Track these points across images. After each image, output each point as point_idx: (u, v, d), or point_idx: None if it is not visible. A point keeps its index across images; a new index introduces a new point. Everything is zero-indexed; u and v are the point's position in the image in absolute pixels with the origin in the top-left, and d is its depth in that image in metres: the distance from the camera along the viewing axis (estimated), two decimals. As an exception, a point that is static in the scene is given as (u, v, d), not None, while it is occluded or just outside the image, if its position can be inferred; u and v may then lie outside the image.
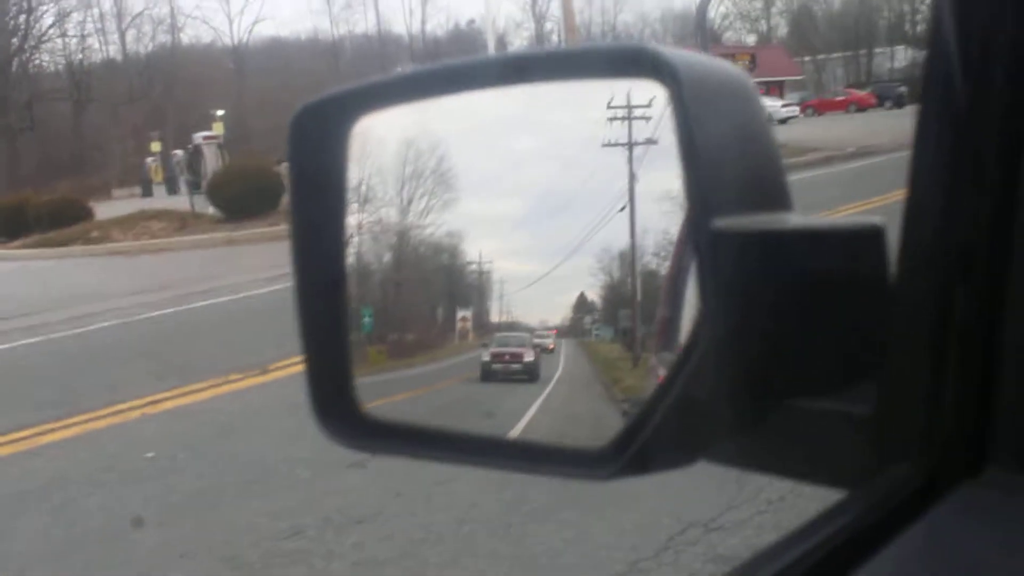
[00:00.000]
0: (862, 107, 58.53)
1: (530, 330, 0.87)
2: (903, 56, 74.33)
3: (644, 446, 0.68)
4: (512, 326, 0.89)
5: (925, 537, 0.63)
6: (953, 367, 0.65)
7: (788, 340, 0.67)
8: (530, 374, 0.91)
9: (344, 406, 0.89)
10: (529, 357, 0.90)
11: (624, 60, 0.73)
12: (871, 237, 0.69)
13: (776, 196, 0.70)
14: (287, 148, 0.88)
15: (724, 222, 0.64)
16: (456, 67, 0.84)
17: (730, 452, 0.73)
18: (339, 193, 0.90)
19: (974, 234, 0.64)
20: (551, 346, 0.88)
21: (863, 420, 0.68)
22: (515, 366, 0.92)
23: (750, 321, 0.65)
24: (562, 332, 0.86)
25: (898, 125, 22.02)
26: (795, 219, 0.69)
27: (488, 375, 0.93)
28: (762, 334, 0.66)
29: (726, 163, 0.67)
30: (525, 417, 0.87)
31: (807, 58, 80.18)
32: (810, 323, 0.68)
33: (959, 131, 0.63)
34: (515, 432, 0.85)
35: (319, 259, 0.89)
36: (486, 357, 0.93)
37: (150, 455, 6.03)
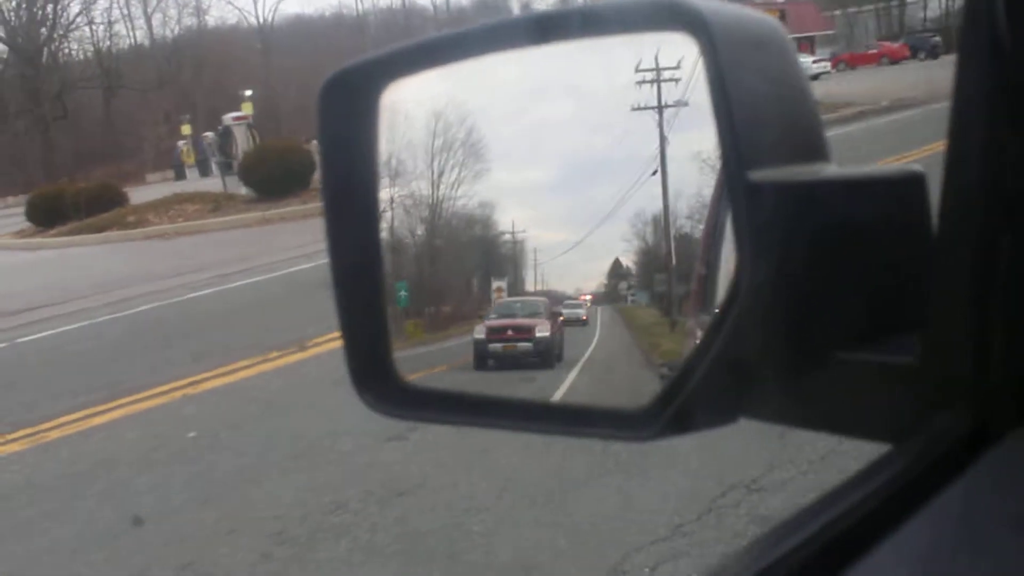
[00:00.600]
0: (895, 59, 57.57)
1: (561, 297, 0.86)
2: (937, 5, 72.95)
3: (685, 405, 0.67)
4: (523, 292, 0.87)
5: (973, 487, 0.62)
6: (997, 314, 0.64)
7: (828, 291, 0.66)
8: (543, 355, 0.88)
9: (382, 375, 0.89)
10: (543, 331, 0.87)
11: (655, 13, 0.72)
12: (912, 184, 0.68)
13: (813, 146, 0.69)
14: (317, 119, 0.88)
15: (760, 174, 0.64)
16: (485, 28, 0.83)
17: (771, 408, 0.72)
18: (370, 162, 0.89)
19: (1018, 179, 0.63)
20: (584, 317, 0.86)
21: (906, 371, 0.67)
22: (522, 345, 0.89)
23: (789, 273, 0.64)
24: (598, 299, 0.85)
25: (932, 76, 21.69)
26: (832, 169, 0.68)
27: (481, 359, 0.90)
28: (801, 286, 0.65)
29: (761, 114, 0.66)
30: (564, 385, 0.87)
31: (837, 12, 78.88)
32: (850, 273, 0.67)
33: (1001, 74, 0.62)
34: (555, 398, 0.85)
35: (353, 228, 0.89)
36: (479, 335, 0.90)
37: (192, 435, 6.11)
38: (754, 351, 0.65)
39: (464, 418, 0.87)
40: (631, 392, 0.82)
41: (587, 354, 0.88)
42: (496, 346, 0.88)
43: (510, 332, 0.88)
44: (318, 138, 0.88)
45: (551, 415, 0.83)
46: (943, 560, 0.58)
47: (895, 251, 0.68)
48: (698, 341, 0.70)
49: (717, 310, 0.68)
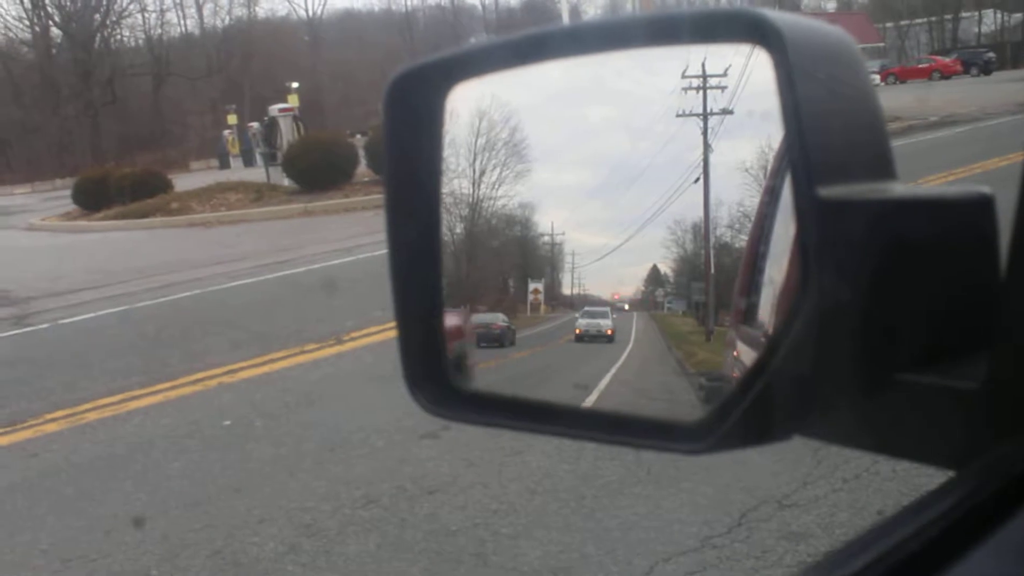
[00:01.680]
0: (946, 74, 56.90)
1: (595, 302, 0.87)
2: (992, 20, 71.94)
3: (741, 420, 0.67)
4: (589, 300, 0.89)
5: None
6: None
7: (894, 312, 0.65)
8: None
9: (436, 376, 0.89)
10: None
11: (727, 24, 0.71)
12: (980, 206, 0.67)
13: (881, 164, 0.68)
14: (382, 116, 0.88)
15: (829, 191, 0.63)
16: (555, 33, 0.83)
17: (830, 428, 0.71)
18: (434, 163, 0.89)
19: None
20: (609, 331, 0.86)
21: (972, 396, 0.66)
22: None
23: (855, 292, 0.64)
24: (634, 305, 0.85)
25: (984, 93, 21.37)
26: (900, 188, 0.67)
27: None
28: (867, 306, 0.64)
29: (832, 131, 0.65)
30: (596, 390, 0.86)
31: (889, 24, 78.07)
32: (917, 295, 0.66)
33: None
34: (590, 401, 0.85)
35: (413, 228, 0.89)
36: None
37: (227, 423, 6.16)
38: (816, 369, 0.64)
39: (515, 423, 0.87)
40: (666, 399, 0.82)
41: (617, 364, 0.87)
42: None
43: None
44: (383, 135, 0.88)
45: (602, 423, 0.82)
46: None
47: (963, 274, 0.67)
48: (754, 356, 0.68)
49: (774, 327, 0.67)
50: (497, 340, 0.95)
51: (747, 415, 0.66)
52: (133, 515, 4.73)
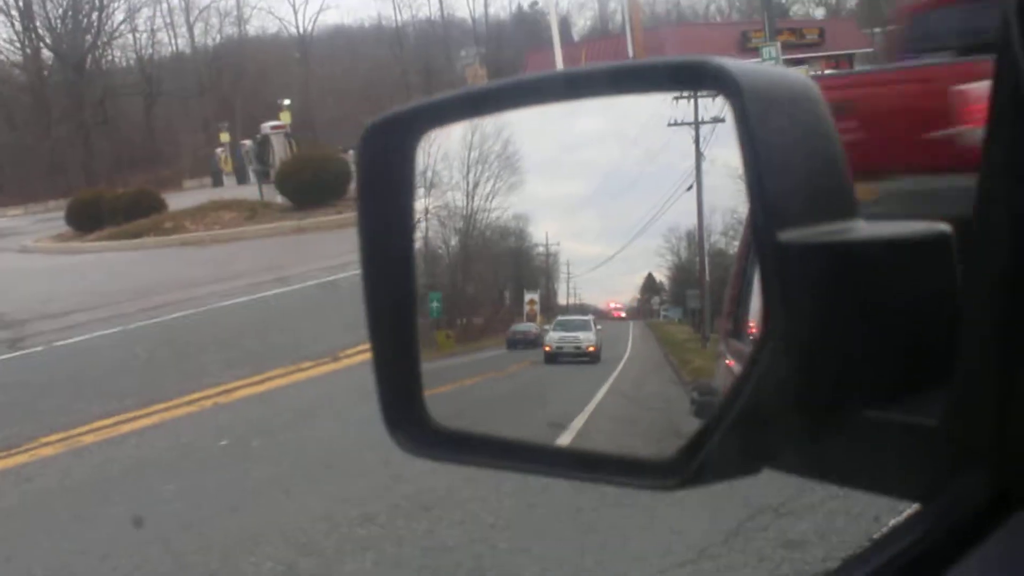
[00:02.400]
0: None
1: (580, 313, 0.87)
2: (978, 28, 72.25)
3: (710, 456, 0.68)
4: (578, 309, 0.88)
5: (997, 553, 0.62)
6: (1022, 378, 0.63)
7: (853, 350, 0.67)
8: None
9: (414, 416, 0.91)
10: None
11: (686, 74, 0.74)
12: (938, 244, 0.68)
13: (841, 204, 0.69)
14: (357, 164, 0.91)
15: (789, 234, 0.64)
16: (520, 83, 0.86)
17: (795, 461, 0.73)
18: (407, 210, 0.92)
19: None
20: (591, 347, 0.84)
21: (930, 431, 0.67)
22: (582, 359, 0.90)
23: (816, 332, 0.65)
24: (630, 313, 0.85)
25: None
26: (860, 227, 0.68)
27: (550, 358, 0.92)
28: (827, 344, 0.66)
29: (791, 175, 0.66)
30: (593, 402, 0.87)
31: (877, 29, 78.46)
32: (876, 333, 0.67)
33: None
34: (583, 416, 0.85)
35: (388, 274, 0.91)
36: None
37: (224, 443, 6.14)
38: (781, 406, 0.66)
39: (492, 461, 0.90)
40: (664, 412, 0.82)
41: (615, 374, 0.87)
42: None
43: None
44: (357, 183, 0.91)
45: (578, 462, 0.84)
46: None
47: (921, 311, 0.68)
48: (729, 363, 0.70)
49: (748, 356, 0.68)
50: (532, 344, 0.94)
51: (718, 451, 0.68)
52: (129, 539, 4.71)
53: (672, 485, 0.71)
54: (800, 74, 0.73)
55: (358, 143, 0.89)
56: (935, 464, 0.67)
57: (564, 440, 0.84)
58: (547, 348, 0.89)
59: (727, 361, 0.77)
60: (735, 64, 0.68)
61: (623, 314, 0.85)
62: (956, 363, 0.66)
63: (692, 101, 0.76)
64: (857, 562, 0.62)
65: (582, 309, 0.88)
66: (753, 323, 0.74)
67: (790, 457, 0.71)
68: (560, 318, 0.86)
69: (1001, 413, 0.64)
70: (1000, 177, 0.62)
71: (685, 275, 0.80)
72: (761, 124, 0.66)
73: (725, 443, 0.67)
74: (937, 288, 0.68)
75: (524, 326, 0.92)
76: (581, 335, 0.84)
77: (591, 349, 0.83)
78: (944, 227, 0.69)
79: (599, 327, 0.84)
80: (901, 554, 0.63)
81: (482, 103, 0.89)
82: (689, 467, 0.69)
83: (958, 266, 0.68)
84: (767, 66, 0.72)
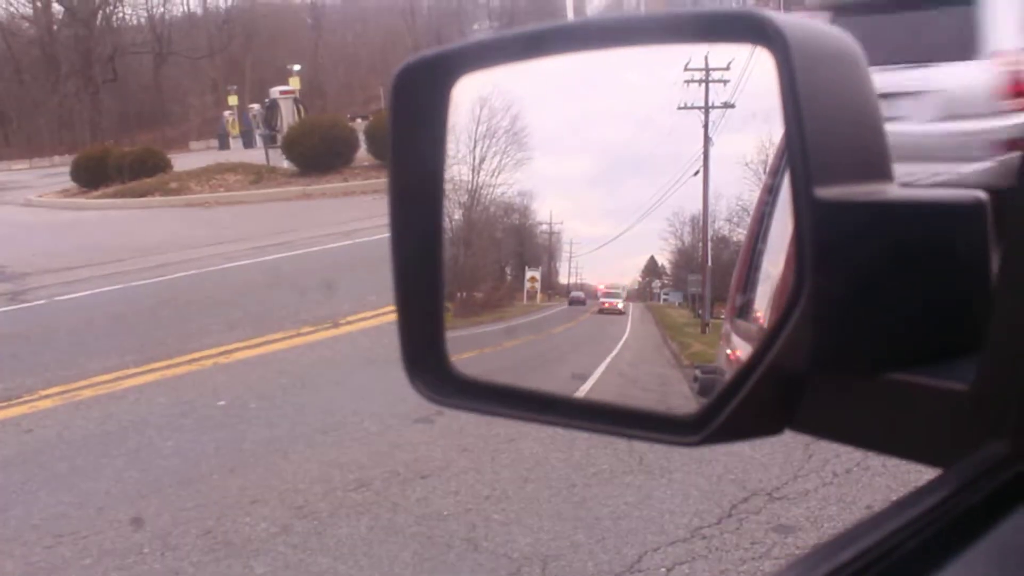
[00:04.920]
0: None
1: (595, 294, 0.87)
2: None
3: (735, 414, 0.68)
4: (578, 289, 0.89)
5: (1014, 534, 0.61)
6: None
7: (886, 311, 0.66)
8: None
9: (435, 362, 0.90)
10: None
11: (731, 25, 0.72)
12: (974, 209, 0.68)
13: (878, 165, 0.68)
14: (388, 106, 0.89)
15: (827, 191, 0.64)
16: (559, 29, 0.83)
17: (820, 423, 0.72)
18: (439, 154, 0.90)
19: None
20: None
21: (961, 396, 0.66)
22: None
23: (848, 291, 0.65)
24: (631, 295, 0.85)
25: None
26: (896, 190, 0.68)
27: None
28: (859, 304, 0.65)
29: (831, 132, 0.66)
30: (590, 380, 0.87)
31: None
32: (908, 295, 0.67)
33: None
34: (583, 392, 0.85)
35: (417, 218, 0.90)
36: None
37: (222, 403, 6.17)
38: (809, 366, 0.66)
39: (512, 411, 0.88)
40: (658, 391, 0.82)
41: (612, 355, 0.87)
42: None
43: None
44: (387, 124, 0.89)
45: (597, 413, 0.83)
46: None
47: (955, 276, 0.68)
48: (749, 350, 0.69)
49: (769, 323, 0.67)
50: (582, 303, 0.94)
51: (740, 409, 0.67)
52: (125, 493, 4.74)
53: (693, 441, 0.71)
54: (845, 33, 0.72)
55: (390, 85, 0.87)
56: (963, 430, 0.66)
57: (584, 389, 0.84)
58: (605, 304, 0.91)
59: (730, 345, 0.77)
60: (782, 16, 0.67)
61: (620, 304, 0.85)
62: (989, 331, 0.65)
63: (704, 82, 0.76)
64: (877, 520, 0.61)
65: (582, 289, 0.88)
66: (760, 312, 0.74)
67: (812, 418, 0.71)
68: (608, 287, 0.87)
69: None
70: None
71: (687, 259, 0.80)
72: (805, 79, 0.65)
73: (748, 401, 0.67)
74: (972, 254, 0.67)
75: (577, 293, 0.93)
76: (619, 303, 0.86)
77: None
78: (980, 194, 0.68)
79: (621, 301, 0.87)
80: (923, 517, 0.61)
81: (519, 48, 0.86)
82: (712, 423, 0.69)
83: (994, 234, 0.67)
84: (810, 20, 0.70)
